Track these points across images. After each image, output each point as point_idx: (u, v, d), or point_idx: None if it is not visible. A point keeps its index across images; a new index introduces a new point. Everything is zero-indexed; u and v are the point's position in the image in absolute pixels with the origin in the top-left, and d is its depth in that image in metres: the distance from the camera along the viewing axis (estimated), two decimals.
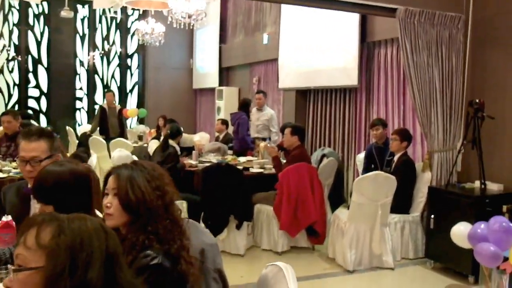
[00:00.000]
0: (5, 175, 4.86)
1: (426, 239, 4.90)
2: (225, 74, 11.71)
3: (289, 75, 8.38)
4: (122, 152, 6.19)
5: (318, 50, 7.52)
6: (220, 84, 11.62)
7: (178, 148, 5.74)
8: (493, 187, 4.60)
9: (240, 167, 5.71)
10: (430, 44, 4.77)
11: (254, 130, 7.64)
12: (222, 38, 11.56)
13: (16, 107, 12.28)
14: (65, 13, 10.92)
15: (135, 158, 5.58)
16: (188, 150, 6.86)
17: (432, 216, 4.71)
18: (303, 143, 5.56)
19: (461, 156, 5.02)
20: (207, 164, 5.56)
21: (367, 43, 6.76)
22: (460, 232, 3.92)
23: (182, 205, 5.48)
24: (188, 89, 13.38)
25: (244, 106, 7.29)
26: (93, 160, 5.35)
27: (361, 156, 6.34)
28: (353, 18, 6.65)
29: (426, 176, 5.09)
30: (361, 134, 7.08)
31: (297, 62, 8.11)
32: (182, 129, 6.12)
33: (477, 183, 4.67)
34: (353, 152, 7.23)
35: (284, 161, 5.63)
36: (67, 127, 11.10)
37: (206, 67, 12.35)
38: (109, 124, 9.33)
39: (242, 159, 6.33)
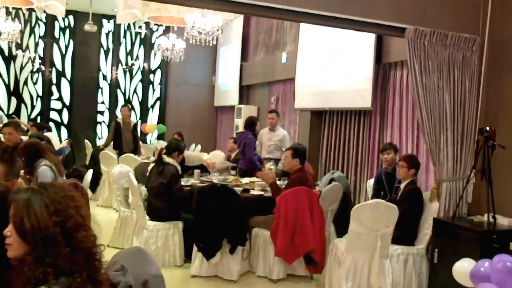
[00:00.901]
0: None
1: (429, 274, 4.54)
2: (245, 92, 11.56)
3: (305, 96, 8.15)
4: (123, 168, 6.05)
5: (334, 71, 7.28)
6: (240, 102, 11.48)
7: (177, 167, 5.53)
8: (504, 221, 4.24)
9: (239, 189, 5.50)
10: (441, 66, 4.47)
11: (266, 150, 7.41)
12: (244, 56, 11.44)
13: (39, 119, 12.41)
14: (89, 27, 11.01)
15: (130, 174, 5.43)
16: (197, 169, 6.65)
17: (436, 250, 4.37)
18: (303, 166, 5.28)
19: (472, 187, 4.66)
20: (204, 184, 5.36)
21: (382, 64, 6.48)
22: (463, 269, 3.59)
23: (178, 225, 5.32)
24: (209, 106, 13.29)
25: (251, 125, 7.08)
26: (88, 176, 5.22)
27: (371, 182, 6.04)
28: (369, 39, 6.40)
29: (434, 206, 4.75)
30: (374, 159, 6.77)
31: (312, 82, 7.89)
32: (183, 146, 5.91)
33: (486, 217, 4.32)
34: (365, 177, 6.92)
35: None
36: (86, 140, 11.10)
37: (227, 84, 12.26)
38: (123, 139, 9.26)
39: (245, 180, 6.10)
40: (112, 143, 9.42)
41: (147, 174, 5.66)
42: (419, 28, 4.34)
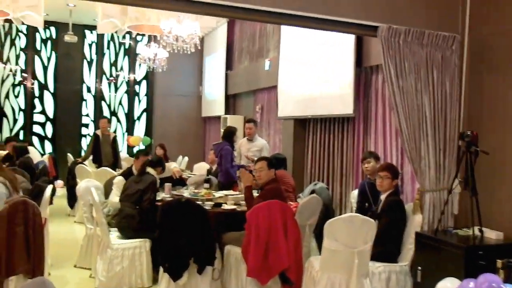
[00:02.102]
0: None
1: None
2: (232, 101, 11.25)
3: (288, 103, 7.82)
4: (90, 182, 5.70)
5: (315, 76, 6.96)
6: (227, 112, 11.17)
7: (157, 178, 5.23)
8: (491, 235, 3.88)
9: (211, 203, 5.15)
10: (418, 67, 4.13)
11: (245, 161, 7.08)
12: (229, 65, 11.15)
13: (22, 133, 12.10)
14: (69, 37, 10.74)
15: (92, 189, 5.09)
16: (168, 181, 6.30)
17: (419, 267, 4.01)
18: (276, 177, 4.94)
19: (458, 197, 4.31)
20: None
21: (363, 68, 6.15)
22: None
23: (145, 244, 4.96)
24: (197, 116, 13.00)
25: (228, 135, 6.73)
26: (47, 192, 4.87)
27: (355, 193, 5.69)
28: (348, 41, 6.08)
29: (417, 219, 4.39)
30: (359, 168, 6.40)
31: (294, 90, 7.56)
32: (165, 165, 5.64)
33: (472, 230, 3.96)
34: (351, 187, 6.57)
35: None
36: (68, 154, 10.76)
37: (213, 94, 11.95)
38: (102, 152, 8.95)
39: (218, 193, 5.74)
40: (91, 156, 9.11)
41: (125, 184, 5.36)
42: (393, 26, 4.01)
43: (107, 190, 5.93)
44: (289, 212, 4.64)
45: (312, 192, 5.95)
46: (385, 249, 4.33)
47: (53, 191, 8.03)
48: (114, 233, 5.08)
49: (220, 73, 11.34)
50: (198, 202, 4.87)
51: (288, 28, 7.69)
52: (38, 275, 4.08)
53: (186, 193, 5.58)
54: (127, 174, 5.65)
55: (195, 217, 4.49)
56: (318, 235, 5.32)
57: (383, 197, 4.61)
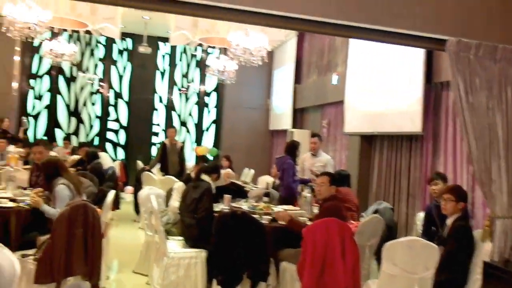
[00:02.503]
0: (13, 205, 4.62)
1: None
2: (299, 115, 11.16)
3: (354, 119, 7.64)
4: (151, 190, 5.80)
5: (382, 92, 6.75)
6: (294, 125, 11.10)
7: (212, 185, 5.21)
8: None
9: (268, 217, 5.06)
10: (490, 84, 3.86)
11: (308, 176, 6.94)
12: (297, 78, 11.09)
13: (96, 139, 12.62)
14: (143, 48, 11.12)
15: (152, 197, 5.15)
16: (228, 193, 6.27)
17: None
18: (336, 194, 4.78)
19: None
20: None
21: (433, 83, 5.88)
22: None
23: (201, 254, 4.95)
24: (264, 130, 13.01)
25: (291, 149, 6.63)
26: (109, 197, 5.00)
27: (421, 215, 5.42)
28: (418, 56, 5.85)
29: (486, 247, 4.08)
30: (427, 189, 6.11)
31: (361, 105, 7.38)
32: (221, 171, 5.61)
33: None
34: (417, 209, 6.27)
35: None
36: (137, 161, 11.08)
37: (281, 107, 11.93)
38: (169, 161, 9.11)
39: (277, 208, 5.64)
40: (159, 165, 9.31)
41: (183, 192, 5.40)
42: (463, 39, 3.78)
43: (169, 198, 6.01)
44: (347, 231, 4.47)
45: (376, 211, 5.72)
46: (449, 277, 4.06)
47: (117, 196, 8.33)
48: (173, 241, 5.12)
49: (288, 86, 11.31)
50: (255, 216, 4.82)
51: (356, 42, 7.53)
52: (95, 278, 4.18)
53: (245, 205, 5.53)
54: (186, 180, 5.69)
55: (250, 231, 4.43)
56: (379, 257, 5.11)
57: (449, 221, 4.33)
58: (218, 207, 5.49)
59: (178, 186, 5.57)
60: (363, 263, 4.72)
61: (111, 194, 5.04)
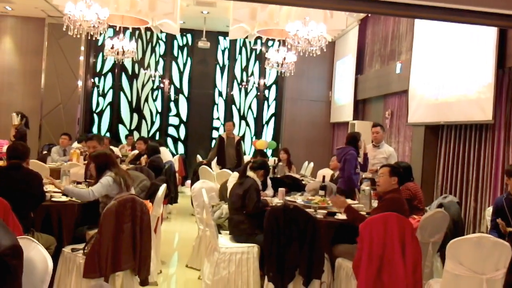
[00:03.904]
0: (66, 199, 4.61)
1: None
2: (361, 107, 10.78)
3: (419, 108, 7.21)
4: (204, 183, 5.69)
5: (449, 79, 6.30)
6: (355, 117, 10.73)
7: (258, 181, 5.03)
8: None
9: (323, 212, 4.81)
10: None
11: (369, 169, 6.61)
12: (359, 69, 10.69)
13: (157, 134, 12.78)
14: (202, 43, 11.13)
15: (203, 191, 5.03)
16: (283, 186, 6.05)
17: None
18: (399, 187, 4.46)
19: None
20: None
21: (507, 68, 5.39)
22: None
23: (253, 249, 4.78)
24: (326, 122, 12.71)
25: (352, 140, 6.30)
26: (160, 190, 4.92)
27: (491, 210, 4.98)
28: (488, 39, 5.37)
29: None
30: (497, 182, 5.65)
31: (427, 93, 6.94)
32: (269, 168, 5.44)
33: None
34: (487, 203, 5.81)
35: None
36: (197, 155, 11.11)
37: (342, 99, 11.57)
38: (226, 154, 9.05)
39: None
40: (216, 158, 9.25)
41: (231, 188, 5.26)
42: None
43: (222, 192, 5.89)
44: (408, 227, 4.14)
45: (440, 206, 5.32)
46: None
47: (176, 190, 8.33)
48: (224, 236, 4.98)
49: (350, 77, 10.94)
50: (309, 210, 4.59)
51: (422, 29, 7.10)
52: (144, 273, 4.10)
53: (299, 199, 5.29)
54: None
55: (303, 225, 4.20)
56: (444, 255, 4.73)
57: None
58: (273, 201, 5.31)
59: (234, 175, 5.45)
60: (425, 261, 4.39)
61: (162, 188, 4.96)
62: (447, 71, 6.40)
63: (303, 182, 7.23)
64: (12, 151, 4.29)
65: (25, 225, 3.91)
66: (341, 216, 4.78)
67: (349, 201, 5.46)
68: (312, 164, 10.84)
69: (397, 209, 4.24)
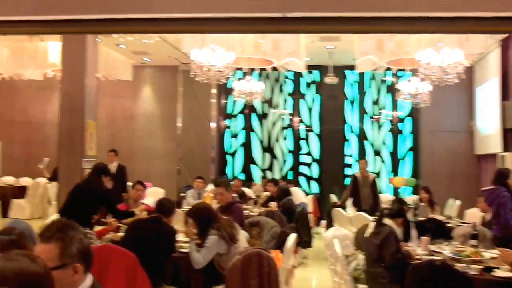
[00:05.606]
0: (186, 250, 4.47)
1: None
2: (509, 136, 9.61)
3: None
4: (338, 231, 5.28)
5: None
6: (505, 148, 9.59)
7: (397, 230, 4.51)
8: None
9: (478, 267, 4.13)
10: None
11: None
12: (505, 93, 9.60)
13: (290, 174, 12.64)
14: (330, 79, 10.91)
15: (335, 241, 4.62)
16: (426, 231, 5.42)
17: None
18: None
19: None
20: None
21: None
22: None
23: None
24: (468, 154, 11.60)
25: (501, 178, 5.50)
26: (290, 240, 4.61)
27: None
28: None
29: None
30: None
31: None
32: (406, 216, 4.83)
33: None
34: None
35: None
36: (330, 195, 10.71)
37: (487, 128, 10.48)
38: (361, 195, 8.55)
39: (489, 253, 4.61)
40: (351, 199, 8.80)
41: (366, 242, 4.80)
42: None
43: (357, 240, 5.43)
44: None
45: None
46: None
47: (309, 234, 7.96)
48: None
49: (495, 104, 9.87)
50: (459, 265, 3.97)
51: None
52: None
53: (446, 250, 4.64)
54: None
55: (454, 285, 3.61)
56: None
57: None
58: (416, 250, 4.73)
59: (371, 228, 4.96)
60: None
61: (292, 238, 4.66)
62: None
63: (449, 225, 6.50)
64: (158, 206, 4.48)
65: (154, 280, 3.84)
66: (501, 273, 4.06)
67: (509, 250, 4.69)
68: (458, 202, 9.84)
69: None
